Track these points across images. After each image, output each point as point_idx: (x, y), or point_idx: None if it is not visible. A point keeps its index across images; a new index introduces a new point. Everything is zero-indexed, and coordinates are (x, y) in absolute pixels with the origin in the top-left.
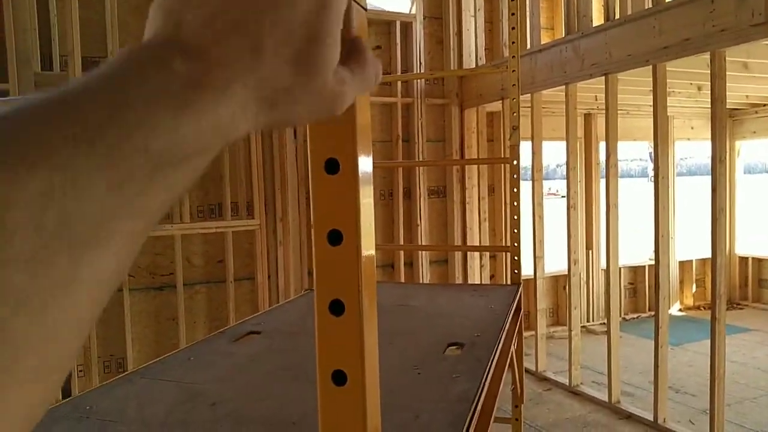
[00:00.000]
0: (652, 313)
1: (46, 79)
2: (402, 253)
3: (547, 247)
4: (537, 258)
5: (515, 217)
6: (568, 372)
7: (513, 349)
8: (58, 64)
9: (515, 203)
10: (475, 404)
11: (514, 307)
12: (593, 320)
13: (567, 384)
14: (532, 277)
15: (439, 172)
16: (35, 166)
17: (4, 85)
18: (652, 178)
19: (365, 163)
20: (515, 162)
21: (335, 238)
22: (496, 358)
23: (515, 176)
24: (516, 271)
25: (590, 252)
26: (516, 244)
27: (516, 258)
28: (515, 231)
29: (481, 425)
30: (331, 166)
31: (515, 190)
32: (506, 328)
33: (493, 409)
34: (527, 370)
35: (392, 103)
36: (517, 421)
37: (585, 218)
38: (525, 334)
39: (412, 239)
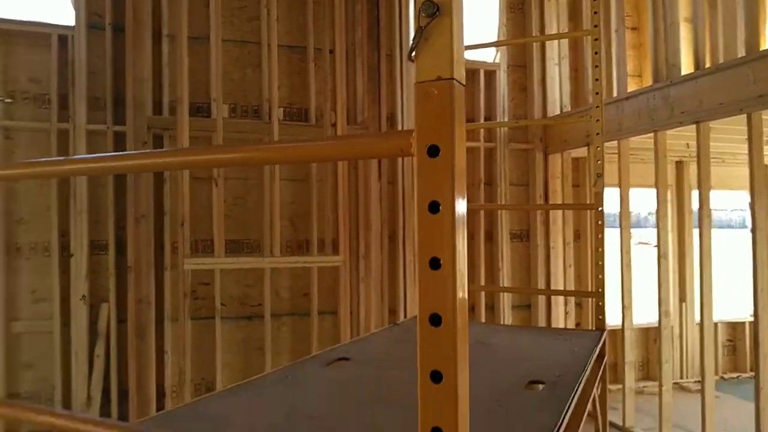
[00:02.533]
0: (753, 373)
1: (157, 122)
2: (483, 296)
3: (637, 298)
4: (625, 307)
5: (599, 263)
6: (659, 430)
7: (596, 393)
8: (167, 110)
9: (600, 249)
10: None
11: (597, 352)
12: (687, 377)
13: None
14: (620, 327)
15: (522, 216)
16: None
17: (122, 127)
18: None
19: (461, 205)
20: (600, 209)
21: (435, 264)
22: (576, 396)
23: (600, 222)
24: (600, 317)
25: (683, 305)
26: (600, 290)
27: (600, 304)
28: (600, 277)
29: None
30: (434, 207)
31: (600, 236)
32: (588, 371)
33: None
34: (613, 424)
35: (475, 147)
36: None
37: (678, 269)
38: (612, 387)
39: (494, 283)
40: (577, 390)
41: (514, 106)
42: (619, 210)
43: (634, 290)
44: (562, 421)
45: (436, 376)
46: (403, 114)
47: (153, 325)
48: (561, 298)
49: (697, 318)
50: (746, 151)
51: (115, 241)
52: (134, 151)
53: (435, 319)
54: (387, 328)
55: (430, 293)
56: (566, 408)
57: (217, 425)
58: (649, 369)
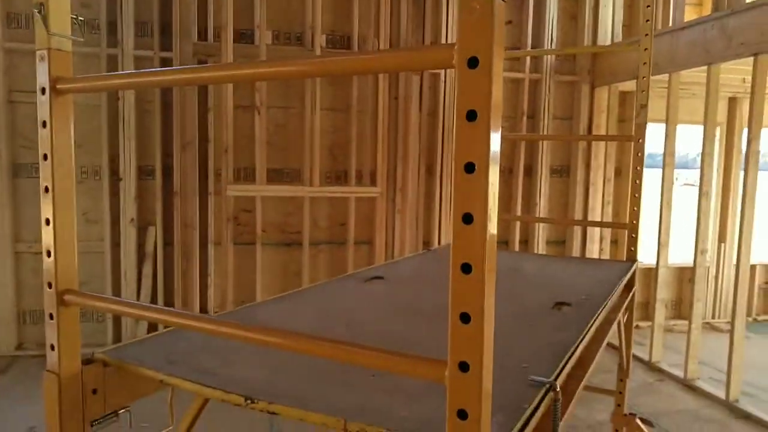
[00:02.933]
0: None
1: (202, 49)
2: (518, 229)
3: (676, 238)
4: (661, 245)
5: (636, 195)
6: (684, 365)
7: (621, 320)
8: (212, 36)
9: (637, 181)
10: (576, 347)
11: (625, 281)
12: (719, 317)
13: (682, 377)
14: (654, 265)
15: (563, 151)
16: None
17: (168, 53)
18: None
19: (496, 114)
20: (640, 140)
21: (468, 218)
22: (600, 318)
23: (639, 154)
24: (632, 248)
25: (722, 245)
26: (635, 222)
27: (633, 236)
28: (635, 209)
29: (575, 372)
30: (471, 116)
31: (638, 168)
32: (614, 296)
33: (593, 360)
34: (640, 359)
35: (520, 78)
36: (621, 394)
37: (720, 209)
38: (642, 324)
39: (528, 227)
40: (600, 312)
41: (563, 35)
42: (664, 147)
43: (673, 230)
44: (583, 338)
45: (465, 318)
46: (447, 41)
47: (197, 249)
48: (597, 234)
49: (735, 259)
50: None
51: (161, 167)
52: (186, 66)
53: (466, 268)
54: (420, 253)
55: (463, 242)
56: (588, 327)
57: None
58: (681, 308)
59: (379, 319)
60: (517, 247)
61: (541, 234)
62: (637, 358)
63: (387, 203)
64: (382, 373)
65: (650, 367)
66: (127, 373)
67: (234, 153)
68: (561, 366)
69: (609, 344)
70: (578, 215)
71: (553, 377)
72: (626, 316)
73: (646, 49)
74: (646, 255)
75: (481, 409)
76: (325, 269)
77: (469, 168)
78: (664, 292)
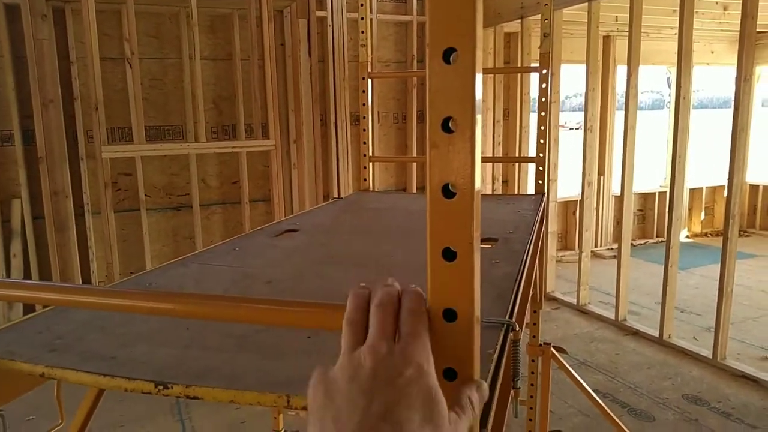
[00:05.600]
0: (660, 239)
1: None
2: (414, 176)
3: (558, 174)
4: (550, 181)
5: (542, 128)
6: (577, 292)
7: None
8: None
9: (543, 113)
10: (518, 282)
11: (540, 213)
12: (601, 245)
13: (575, 303)
14: None
15: None
16: None
17: None
18: (669, 104)
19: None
20: (545, 71)
21: (446, 126)
22: (530, 249)
23: (544, 86)
24: (540, 181)
25: (602, 178)
26: (542, 155)
27: (541, 168)
28: (542, 141)
29: (522, 302)
30: (446, 126)
31: (544, 99)
32: (536, 228)
33: (529, 294)
34: None
35: (407, 21)
36: (535, 326)
37: (598, 145)
38: None
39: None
40: (530, 243)
41: None
42: (549, 84)
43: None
44: (522, 268)
45: (448, 254)
46: None
47: (73, 219)
48: (489, 175)
49: (615, 190)
50: (672, 25)
51: (20, 130)
52: None
53: (447, 191)
54: (331, 202)
55: (443, 160)
56: (523, 257)
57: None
58: (567, 240)
59: (304, 273)
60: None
61: None
62: None
63: (282, 157)
64: (318, 332)
65: (546, 297)
66: None
67: (106, 111)
68: (511, 303)
69: None
70: None
71: (507, 316)
72: (540, 248)
73: None
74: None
75: (473, 366)
76: (220, 232)
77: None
78: (553, 225)
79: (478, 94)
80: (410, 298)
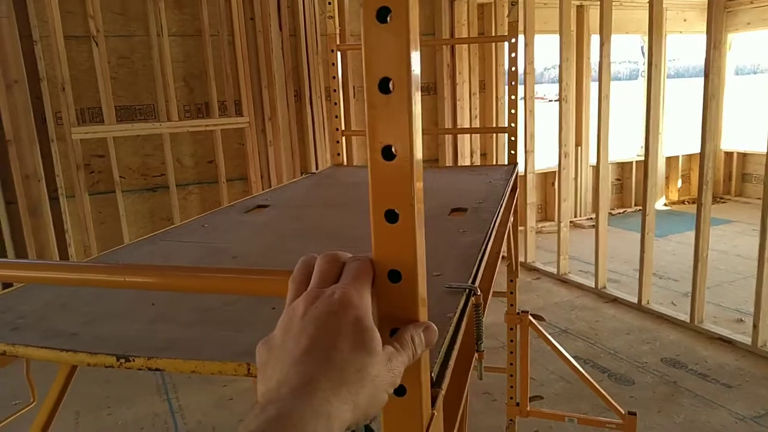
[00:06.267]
0: (638, 208)
1: None
2: None
3: (536, 146)
4: (527, 152)
5: (512, 98)
6: (557, 262)
7: (510, 223)
8: None
9: (513, 83)
10: (483, 249)
11: (511, 183)
12: (580, 215)
13: (555, 273)
14: (523, 173)
15: (428, 69)
16: None
17: None
18: (644, 73)
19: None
20: (513, 40)
21: (384, 87)
22: (498, 218)
23: (513, 55)
24: (513, 151)
25: (579, 149)
26: (513, 125)
27: (513, 138)
28: (513, 112)
29: (488, 268)
30: (384, 87)
31: (513, 69)
32: (506, 198)
33: (497, 262)
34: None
35: None
36: (512, 294)
37: (575, 115)
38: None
39: None
40: (499, 212)
41: None
42: (524, 56)
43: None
44: (489, 236)
45: (391, 216)
46: None
47: (47, 202)
48: (467, 149)
49: (592, 160)
50: None
51: None
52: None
53: (387, 153)
54: (304, 177)
55: (382, 122)
56: (491, 226)
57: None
58: (547, 211)
59: (272, 248)
60: None
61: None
62: None
63: (257, 134)
64: (282, 303)
65: (526, 267)
66: None
67: (74, 91)
68: (475, 269)
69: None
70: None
71: (470, 281)
72: (513, 219)
73: None
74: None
75: (418, 372)
76: (197, 212)
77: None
78: (532, 197)
79: (415, 54)
80: (356, 257)
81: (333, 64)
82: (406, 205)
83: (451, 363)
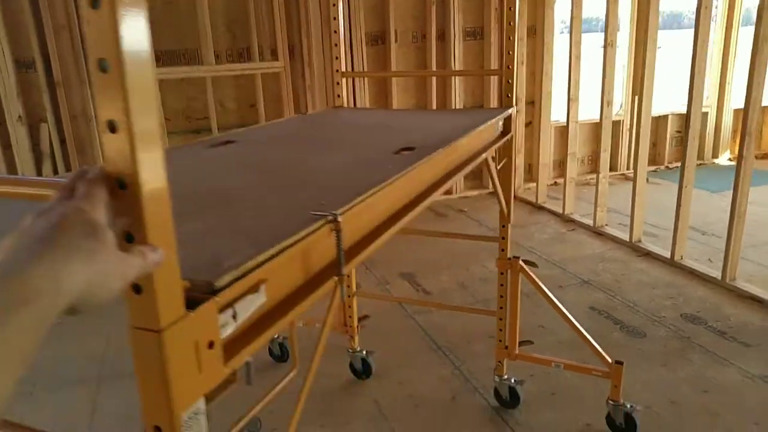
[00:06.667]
0: (700, 161)
1: None
2: (434, 95)
3: (593, 95)
4: (571, 100)
5: (509, 38)
6: (594, 214)
7: (495, 167)
8: None
9: (510, 23)
10: (380, 187)
11: (489, 123)
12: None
13: (591, 225)
14: (565, 122)
15: (476, 13)
16: None
17: None
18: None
19: None
20: None
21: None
22: (439, 155)
23: None
24: (509, 94)
25: (636, 98)
26: (509, 67)
27: (509, 81)
28: (510, 53)
29: (401, 213)
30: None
31: (511, 9)
32: (464, 139)
33: (425, 199)
34: (555, 213)
35: None
36: (504, 239)
37: (633, 63)
38: (560, 181)
39: (446, 85)
40: (441, 150)
41: None
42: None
43: (587, 87)
44: (401, 175)
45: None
46: None
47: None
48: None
49: (654, 111)
50: None
51: (41, 56)
52: None
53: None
54: (294, 117)
55: (104, 99)
56: (412, 165)
57: None
58: (598, 163)
59: (207, 177)
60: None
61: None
62: (552, 213)
63: (295, 79)
64: None
65: (563, 218)
66: None
67: None
68: (353, 201)
69: (522, 200)
70: (495, 77)
71: (339, 211)
72: (503, 162)
73: None
74: (558, 113)
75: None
76: None
77: (96, 5)
78: (574, 147)
79: (132, 35)
80: (93, 169)
81: (334, 5)
82: (132, 174)
83: (257, 272)
